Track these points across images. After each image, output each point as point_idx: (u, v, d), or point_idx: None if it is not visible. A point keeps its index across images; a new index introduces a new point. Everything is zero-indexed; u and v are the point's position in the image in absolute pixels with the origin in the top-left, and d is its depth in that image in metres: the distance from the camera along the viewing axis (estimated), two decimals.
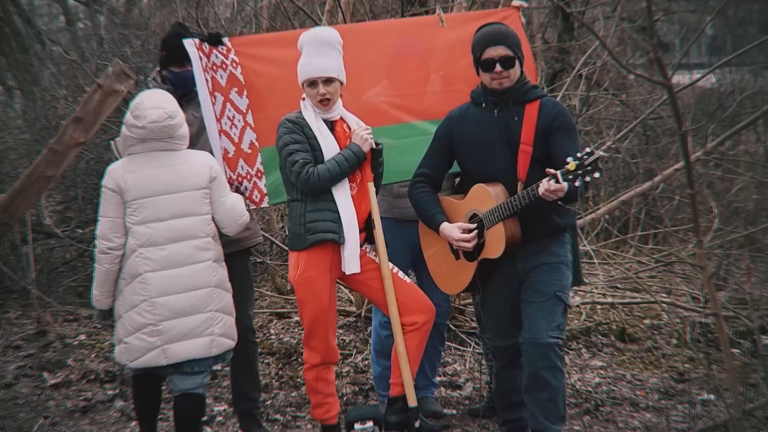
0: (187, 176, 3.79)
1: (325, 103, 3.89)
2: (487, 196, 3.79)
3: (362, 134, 3.91)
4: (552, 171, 3.51)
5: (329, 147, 3.89)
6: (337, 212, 3.85)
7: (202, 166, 3.84)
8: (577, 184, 3.47)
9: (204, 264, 3.79)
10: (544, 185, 3.51)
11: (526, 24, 4.69)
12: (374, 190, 4.00)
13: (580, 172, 3.46)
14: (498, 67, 3.78)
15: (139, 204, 3.72)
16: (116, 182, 3.73)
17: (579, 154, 3.47)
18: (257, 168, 4.19)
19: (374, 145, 3.94)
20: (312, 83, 3.88)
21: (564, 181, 3.47)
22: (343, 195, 3.88)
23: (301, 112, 3.94)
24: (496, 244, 3.76)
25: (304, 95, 3.95)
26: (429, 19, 4.74)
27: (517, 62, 3.82)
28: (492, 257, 3.80)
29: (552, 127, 3.75)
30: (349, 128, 4.00)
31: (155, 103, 3.77)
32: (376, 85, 4.40)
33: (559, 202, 3.69)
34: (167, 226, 3.73)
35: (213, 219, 3.86)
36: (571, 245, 3.96)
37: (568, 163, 3.47)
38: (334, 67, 3.88)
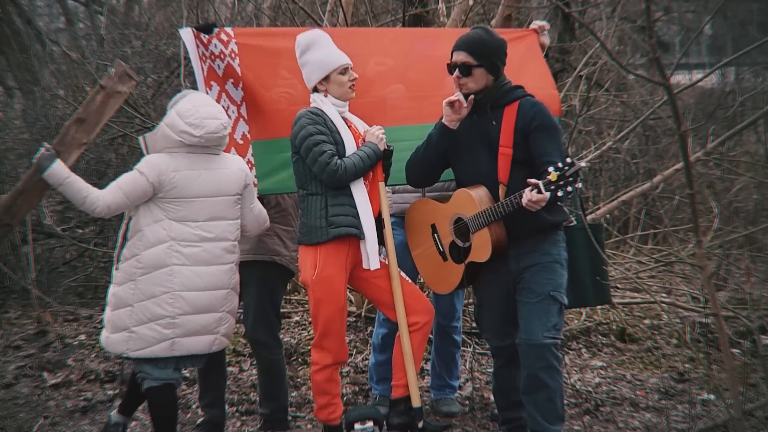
0: (225, 181, 3.89)
1: (354, 87, 3.93)
2: (470, 200, 3.79)
3: (377, 133, 3.92)
4: (533, 181, 3.51)
5: (349, 142, 3.89)
6: (356, 208, 3.85)
7: (239, 173, 3.95)
8: (559, 194, 3.48)
9: (228, 266, 3.90)
10: (527, 195, 3.51)
11: (527, 25, 4.66)
12: (384, 190, 4.00)
13: (561, 182, 3.47)
14: (457, 72, 3.82)
15: (180, 203, 3.79)
16: (159, 178, 3.77)
17: (560, 164, 3.47)
18: (248, 159, 4.19)
19: (387, 146, 3.94)
20: (344, 70, 3.91)
21: (546, 191, 3.48)
22: (360, 191, 3.88)
23: (316, 107, 3.92)
24: (482, 249, 3.78)
25: (312, 94, 3.95)
26: (439, 30, 4.74)
27: (479, 71, 3.79)
28: (480, 261, 3.81)
29: (531, 127, 3.74)
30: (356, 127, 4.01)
31: (211, 113, 3.84)
32: (386, 87, 4.37)
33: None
34: (201, 226, 3.82)
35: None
36: (594, 260, 3.91)
37: (549, 173, 3.48)
38: None
